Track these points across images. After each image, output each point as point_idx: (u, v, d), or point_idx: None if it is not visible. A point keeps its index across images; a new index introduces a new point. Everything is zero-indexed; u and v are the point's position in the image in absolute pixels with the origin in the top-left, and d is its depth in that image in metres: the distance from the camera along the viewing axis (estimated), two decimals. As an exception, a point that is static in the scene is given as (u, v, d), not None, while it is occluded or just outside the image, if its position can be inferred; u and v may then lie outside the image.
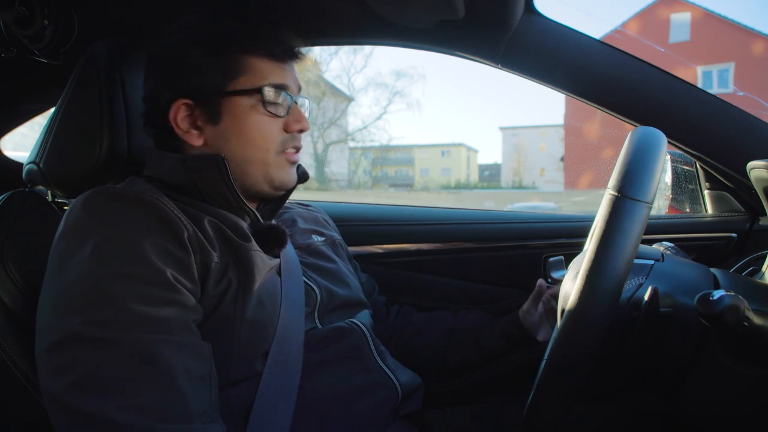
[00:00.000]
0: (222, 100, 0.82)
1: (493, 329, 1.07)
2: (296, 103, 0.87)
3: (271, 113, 0.83)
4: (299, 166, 0.92)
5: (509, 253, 1.31)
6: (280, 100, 0.84)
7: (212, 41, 0.82)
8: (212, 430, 0.64)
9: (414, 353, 1.06)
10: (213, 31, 0.83)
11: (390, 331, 1.10)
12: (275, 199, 0.91)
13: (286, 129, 0.85)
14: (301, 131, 0.87)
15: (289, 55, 0.86)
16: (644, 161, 0.59)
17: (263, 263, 0.80)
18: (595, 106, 1.07)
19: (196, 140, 0.84)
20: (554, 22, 1.05)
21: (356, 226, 1.39)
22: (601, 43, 1.05)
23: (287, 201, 1.10)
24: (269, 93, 0.83)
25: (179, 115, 0.83)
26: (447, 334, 1.09)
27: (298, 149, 0.88)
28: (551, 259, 1.13)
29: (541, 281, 1.04)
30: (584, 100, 1.08)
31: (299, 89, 0.89)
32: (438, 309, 1.35)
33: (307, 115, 0.91)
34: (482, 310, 1.14)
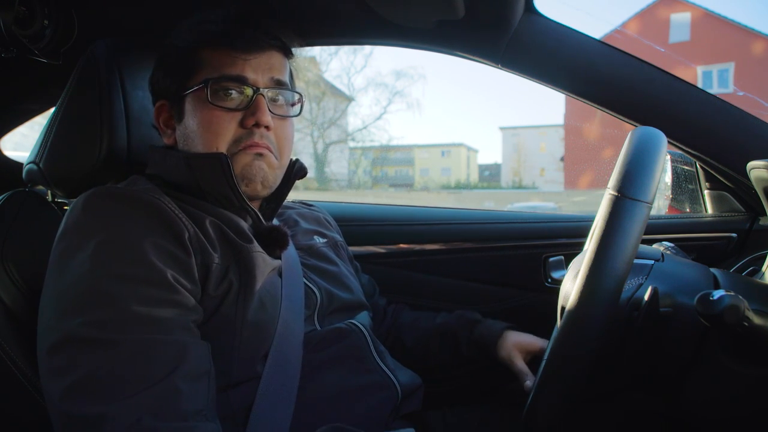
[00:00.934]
0: (184, 97, 0.83)
1: (471, 336, 1.04)
2: (264, 96, 0.81)
3: (220, 106, 0.79)
4: (296, 161, 0.91)
5: (509, 253, 1.31)
6: (230, 92, 0.80)
7: (176, 40, 0.84)
8: (208, 429, 0.64)
9: (401, 354, 1.06)
10: (178, 30, 0.85)
11: (386, 333, 1.10)
12: (275, 196, 0.91)
13: (242, 124, 0.80)
14: (257, 126, 0.80)
15: (248, 44, 0.80)
16: (644, 161, 0.59)
17: (264, 264, 0.80)
18: (595, 106, 1.07)
19: (168, 139, 0.87)
20: (554, 22, 1.05)
21: (356, 226, 1.39)
22: (601, 43, 1.05)
23: (291, 201, 1.10)
24: (219, 85, 0.79)
25: (161, 115, 0.87)
26: (426, 339, 1.07)
27: (257, 146, 0.80)
28: (551, 259, 1.13)
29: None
30: (584, 100, 1.08)
31: (273, 80, 0.83)
32: (437, 309, 1.35)
33: (295, 111, 0.87)
34: (465, 311, 1.11)
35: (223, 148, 0.80)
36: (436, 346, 1.06)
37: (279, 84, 0.84)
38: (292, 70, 0.91)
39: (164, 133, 0.88)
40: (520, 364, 0.97)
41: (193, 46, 0.82)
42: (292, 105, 0.88)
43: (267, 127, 0.81)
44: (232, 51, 0.80)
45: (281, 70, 0.85)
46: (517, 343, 1.00)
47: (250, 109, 0.80)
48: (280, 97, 0.85)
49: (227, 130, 0.80)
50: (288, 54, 0.87)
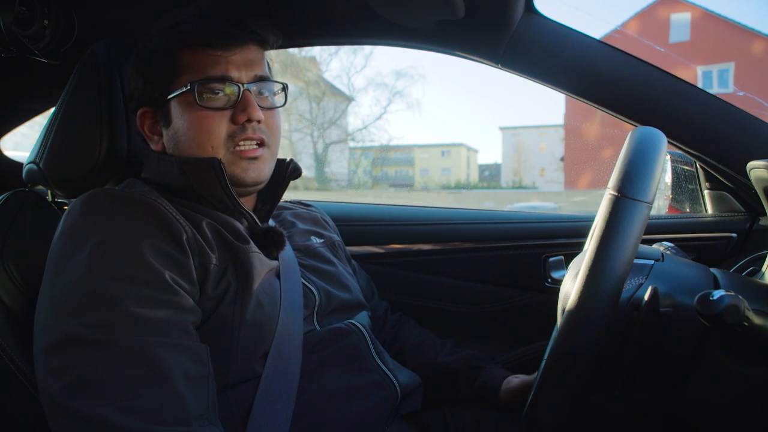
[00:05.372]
0: (169, 102, 0.83)
1: (474, 383, 1.01)
2: (250, 91, 0.81)
3: (208, 107, 0.80)
4: (291, 161, 0.91)
5: (509, 253, 1.31)
6: (217, 92, 0.80)
7: (155, 46, 0.83)
8: None
9: None
10: (155, 36, 0.84)
11: (383, 343, 1.09)
12: (270, 197, 0.91)
13: (233, 120, 0.81)
14: (249, 121, 0.80)
15: (227, 41, 0.81)
16: (644, 161, 0.59)
17: (262, 265, 0.80)
18: (595, 106, 1.07)
19: (156, 145, 0.86)
20: (554, 22, 1.05)
21: (356, 226, 1.39)
22: (601, 43, 1.05)
23: (288, 201, 1.10)
24: (204, 86, 0.79)
25: (146, 122, 0.86)
26: (426, 371, 1.02)
27: (259, 141, 0.82)
28: (551, 259, 1.13)
29: None
30: (584, 100, 1.08)
31: (257, 77, 0.83)
32: (437, 309, 1.34)
33: (280, 101, 0.88)
34: (471, 354, 1.06)
35: (218, 146, 0.80)
36: (436, 382, 1.03)
37: (261, 79, 0.84)
38: (268, 62, 0.90)
39: (151, 140, 0.86)
40: None
41: (171, 49, 0.82)
42: (275, 95, 0.88)
43: (258, 121, 0.81)
44: (212, 50, 0.81)
45: (261, 64, 0.85)
46: (521, 382, 0.98)
47: (239, 105, 0.81)
48: (265, 90, 0.86)
49: (219, 128, 0.80)
50: (264, 46, 0.87)
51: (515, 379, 0.98)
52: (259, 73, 0.84)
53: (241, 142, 0.81)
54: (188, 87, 0.80)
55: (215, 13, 0.82)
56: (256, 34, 0.84)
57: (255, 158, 0.82)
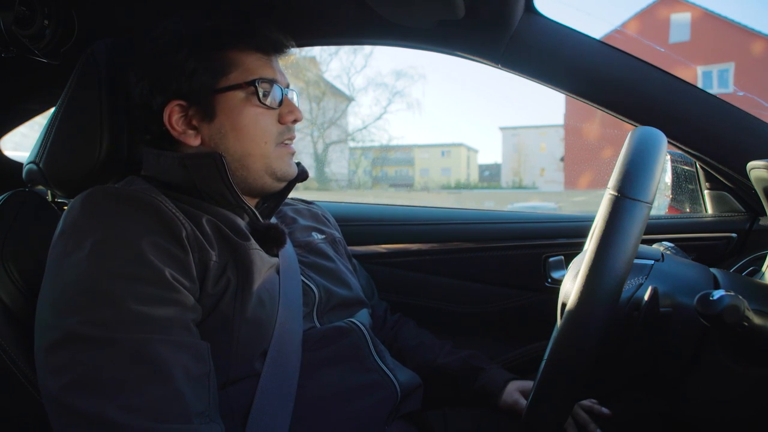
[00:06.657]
0: (215, 97, 0.83)
1: (474, 384, 1.02)
2: (286, 95, 0.88)
3: (265, 105, 0.84)
4: (298, 164, 0.92)
5: (509, 253, 1.31)
6: (271, 93, 0.85)
7: (198, 40, 0.83)
8: (211, 430, 0.64)
9: None
10: (198, 30, 0.84)
11: (382, 341, 1.09)
12: (275, 196, 0.92)
13: (280, 121, 0.86)
14: (295, 121, 0.88)
15: (275, 48, 0.87)
16: (644, 161, 0.59)
17: (262, 262, 0.80)
18: (595, 106, 1.07)
19: (193, 140, 0.84)
20: (554, 22, 1.05)
21: (356, 226, 1.39)
22: (601, 43, 1.05)
23: (289, 198, 1.10)
24: (262, 86, 0.83)
25: (173, 117, 0.83)
26: (426, 372, 1.02)
27: (292, 140, 0.90)
28: (551, 259, 1.13)
29: None
30: (584, 100, 1.07)
31: (287, 84, 0.90)
32: (437, 309, 1.34)
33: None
34: (471, 354, 1.07)
35: (270, 141, 0.85)
36: (436, 383, 1.03)
37: (287, 86, 0.90)
38: None
39: (183, 134, 0.83)
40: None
41: (222, 46, 0.83)
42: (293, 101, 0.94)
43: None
44: (260, 54, 0.85)
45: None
46: (520, 387, 0.99)
47: (285, 107, 0.87)
48: (294, 96, 0.92)
49: (272, 126, 0.86)
50: (285, 57, 0.92)
51: (519, 396, 0.97)
52: (287, 81, 0.90)
53: (286, 140, 0.87)
54: (248, 84, 0.83)
55: (260, 20, 0.86)
56: (290, 45, 0.90)
57: (293, 153, 0.90)
